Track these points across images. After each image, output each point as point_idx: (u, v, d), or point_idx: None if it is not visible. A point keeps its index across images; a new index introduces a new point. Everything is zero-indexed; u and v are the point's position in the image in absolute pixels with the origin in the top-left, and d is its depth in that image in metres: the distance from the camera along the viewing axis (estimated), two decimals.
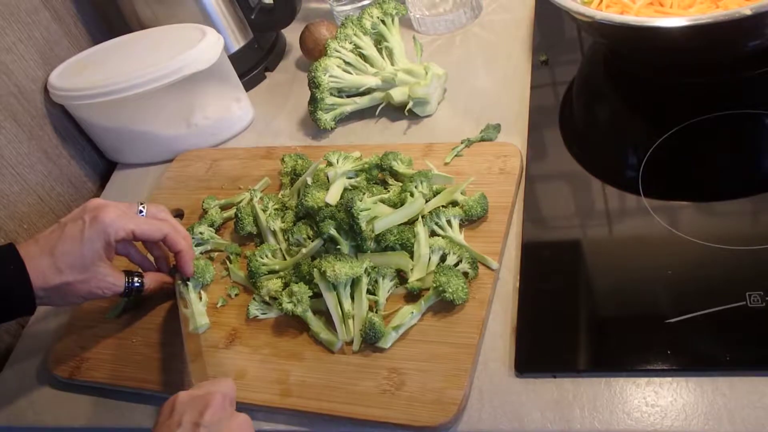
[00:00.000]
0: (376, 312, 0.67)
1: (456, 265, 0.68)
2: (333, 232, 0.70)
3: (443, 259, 0.69)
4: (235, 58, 1.01)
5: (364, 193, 0.72)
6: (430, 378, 0.62)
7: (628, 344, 0.61)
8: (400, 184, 0.77)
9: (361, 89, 0.89)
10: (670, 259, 0.65)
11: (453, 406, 0.60)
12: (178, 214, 0.88)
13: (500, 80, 0.90)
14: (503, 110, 0.86)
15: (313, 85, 0.88)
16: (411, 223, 0.72)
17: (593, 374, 0.60)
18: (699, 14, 0.73)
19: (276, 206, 0.79)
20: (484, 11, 1.01)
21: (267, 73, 1.06)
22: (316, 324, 0.68)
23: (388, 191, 0.76)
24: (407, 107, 0.87)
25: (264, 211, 0.79)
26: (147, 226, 0.70)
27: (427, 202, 0.74)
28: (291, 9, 0.99)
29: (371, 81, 0.89)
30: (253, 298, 0.71)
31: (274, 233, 0.77)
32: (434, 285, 0.66)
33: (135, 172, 1.00)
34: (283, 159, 0.84)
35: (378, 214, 0.71)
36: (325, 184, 0.76)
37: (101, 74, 0.92)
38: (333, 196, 0.73)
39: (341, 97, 0.90)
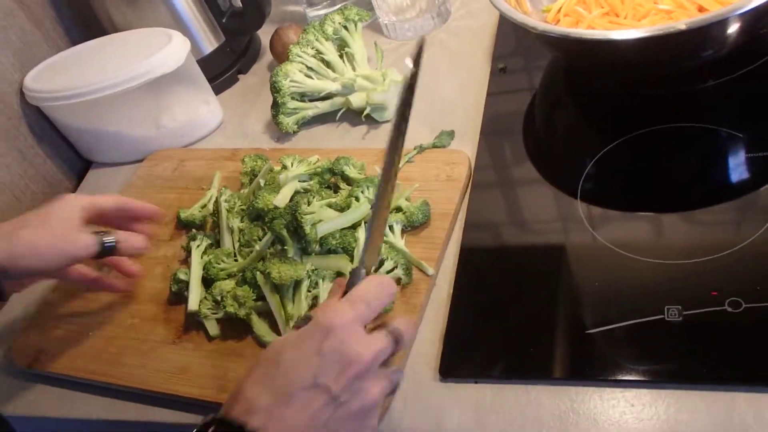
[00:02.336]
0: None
1: (392, 270, 0.69)
2: (283, 232, 0.72)
3: (381, 263, 0.70)
4: (207, 61, 1.03)
5: (313, 197, 0.73)
6: None
7: (549, 353, 0.62)
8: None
9: (322, 94, 0.91)
10: (598, 270, 0.66)
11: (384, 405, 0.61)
12: None
13: (459, 87, 0.91)
14: (459, 117, 0.87)
15: (274, 89, 0.89)
16: (356, 227, 0.73)
17: (512, 381, 0.62)
18: (649, 26, 0.74)
19: (243, 206, 0.80)
20: (452, 17, 1.02)
21: (240, 76, 1.08)
22: (258, 326, 0.70)
23: (339, 195, 0.77)
24: (364, 113, 0.88)
25: (229, 210, 0.80)
26: (100, 199, 0.72)
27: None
28: (260, 14, 1.01)
29: (332, 86, 0.90)
30: (205, 297, 0.73)
31: (231, 231, 0.78)
32: None
33: (108, 171, 1.02)
34: (243, 160, 0.86)
35: (323, 217, 0.72)
36: (278, 187, 0.78)
37: (73, 76, 0.95)
38: (282, 198, 0.75)
39: (304, 101, 0.92)
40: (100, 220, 0.73)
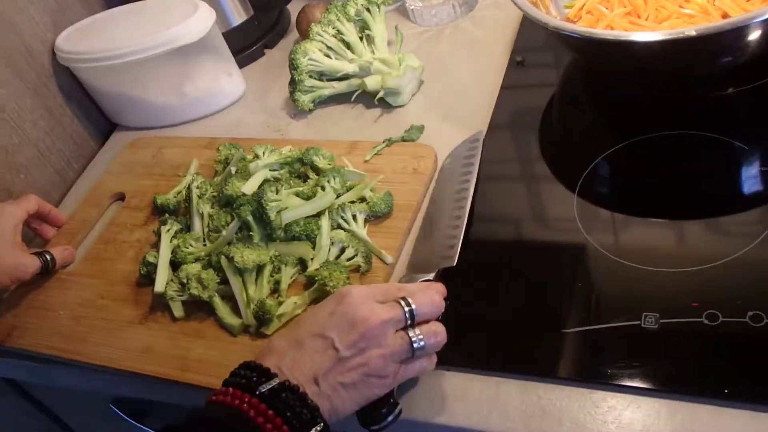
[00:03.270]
0: (278, 297, 0.71)
1: (352, 257, 0.71)
2: (249, 218, 0.74)
3: (342, 251, 0.72)
4: (234, 33, 1.05)
5: (282, 185, 0.75)
6: None
7: (522, 349, 0.63)
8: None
9: (339, 74, 0.92)
10: (583, 270, 0.66)
11: None
12: (120, 198, 0.93)
13: (476, 77, 0.91)
14: (472, 107, 0.87)
15: (292, 66, 0.91)
16: (320, 215, 0.75)
17: (483, 373, 0.62)
18: (662, 30, 0.73)
19: (214, 192, 0.82)
20: (478, 6, 1.01)
21: (266, 50, 1.09)
22: (221, 308, 0.72)
23: (306, 185, 0.79)
24: (377, 96, 0.89)
25: (200, 197, 0.82)
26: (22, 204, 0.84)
27: (338, 197, 0.77)
28: None
29: (349, 67, 0.91)
30: (171, 280, 0.75)
31: (201, 216, 0.80)
32: (317, 278, 0.69)
33: (132, 134, 1.05)
34: (218, 149, 0.88)
35: (288, 205, 0.74)
36: (249, 175, 0.79)
37: (102, 40, 0.98)
38: (250, 186, 0.77)
39: (321, 80, 0.93)
40: None
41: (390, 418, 0.60)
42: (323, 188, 0.76)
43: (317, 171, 0.81)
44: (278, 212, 0.73)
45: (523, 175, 0.78)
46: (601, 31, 0.72)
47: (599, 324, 0.61)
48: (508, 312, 0.66)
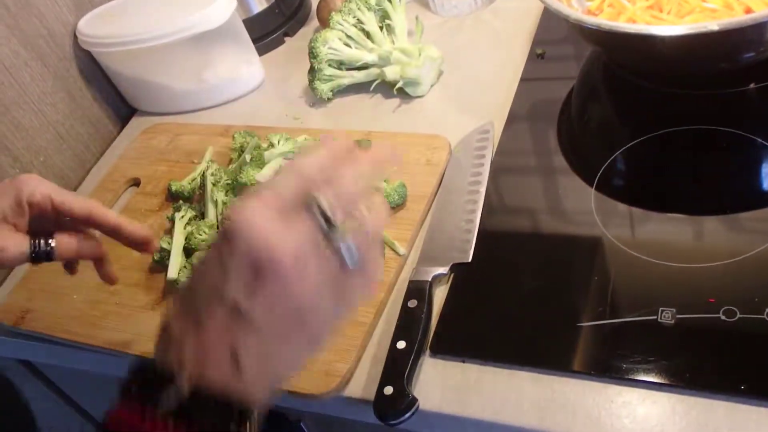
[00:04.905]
0: None
1: None
2: None
3: None
4: (255, 21, 1.05)
5: None
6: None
7: (537, 341, 0.63)
8: None
9: (359, 64, 0.92)
10: (600, 264, 0.66)
11: (336, 378, 0.63)
12: (135, 183, 0.94)
13: (495, 68, 0.90)
14: (491, 99, 0.86)
15: (312, 55, 0.91)
16: None
17: (498, 365, 0.62)
18: (683, 25, 0.72)
19: (228, 180, 0.82)
20: None
21: (287, 38, 1.09)
22: None
23: None
24: (396, 86, 0.89)
25: (215, 184, 0.82)
26: (70, 196, 0.62)
27: None
28: None
29: (368, 57, 0.91)
30: (185, 266, 0.75)
31: (215, 203, 0.81)
32: None
33: (151, 119, 1.06)
34: (233, 136, 0.88)
35: None
36: (263, 163, 0.80)
37: (123, 25, 0.98)
38: (264, 174, 0.77)
39: (341, 69, 0.93)
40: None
41: (408, 414, 0.60)
42: None
43: None
44: None
45: (540, 167, 0.78)
46: (623, 24, 0.71)
47: (615, 318, 0.61)
48: (522, 305, 0.66)
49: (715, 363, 0.56)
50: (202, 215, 0.82)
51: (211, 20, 0.93)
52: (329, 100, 0.95)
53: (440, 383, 0.63)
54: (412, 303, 0.67)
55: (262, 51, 1.07)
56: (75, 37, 1.01)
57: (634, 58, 0.78)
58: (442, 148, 0.80)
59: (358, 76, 0.93)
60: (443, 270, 0.69)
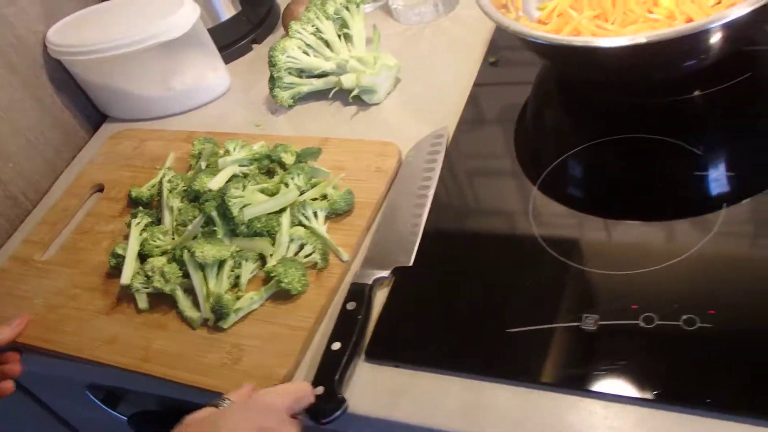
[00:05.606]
0: (237, 292, 0.73)
1: (310, 254, 0.73)
2: (213, 213, 0.76)
3: (302, 247, 0.74)
4: (223, 28, 1.07)
5: (248, 181, 0.77)
6: (264, 355, 0.68)
7: (467, 346, 0.64)
8: None
9: (318, 72, 0.94)
10: (531, 269, 0.67)
11: (275, 381, 0.65)
12: (100, 189, 0.96)
13: (453, 76, 0.92)
14: (446, 105, 0.88)
15: (271, 63, 0.93)
16: (282, 212, 0.77)
17: (430, 370, 0.64)
18: (618, 37, 0.73)
19: (185, 187, 0.84)
20: (459, 5, 1.02)
21: (255, 46, 1.11)
22: (182, 301, 0.74)
23: (272, 181, 0.80)
24: (352, 93, 0.91)
25: (171, 191, 0.84)
26: None
27: (302, 193, 0.78)
28: None
29: (326, 65, 0.93)
30: (138, 272, 0.77)
31: (171, 210, 0.82)
32: (273, 274, 0.71)
33: (121, 125, 1.08)
34: (193, 143, 0.90)
35: (252, 201, 0.76)
36: (218, 170, 0.81)
37: (91, 34, 1.00)
38: (217, 181, 0.79)
39: (301, 77, 0.95)
40: None
41: (337, 413, 0.62)
42: (287, 185, 0.78)
43: (284, 167, 0.83)
44: (241, 208, 0.75)
45: (486, 171, 0.79)
46: (557, 36, 0.72)
47: (540, 324, 0.62)
48: (457, 310, 0.67)
49: (632, 368, 0.57)
50: (158, 221, 0.83)
51: (174, 29, 0.95)
52: (290, 107, 0.96)
53: (372, 386, 0.64)
54: (351, 305, 0.69)
55: (230, 58, 1.09)
56: (45, 45, 1.03)
57: (574, 68, 0.79)
58: (392, 155, 0.82)
59: (318, 84, 0.94)
60: (384, 273, 0.71)
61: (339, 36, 0.94)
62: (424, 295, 0.69)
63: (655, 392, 0.55)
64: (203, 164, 0.85)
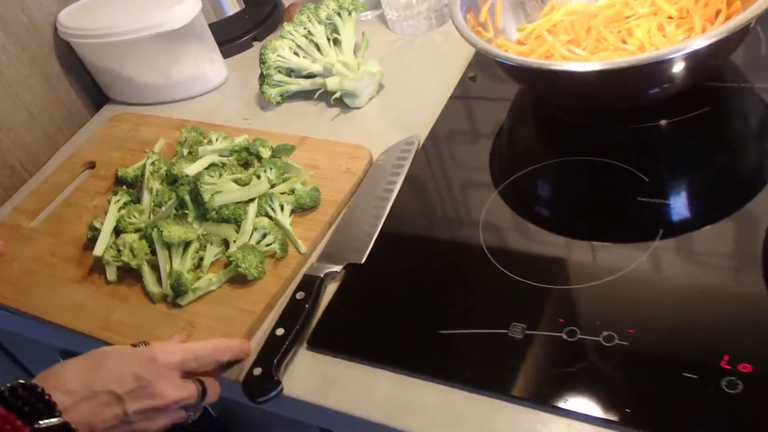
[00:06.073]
0: (198, 272, 0.78)
1: (271, 243, 0.77)
2: (186, 197, 0.80)
3: (264, 237, 0.78)
4: (226, 23, 1.12)
5: (224, 170, 0.82)
6: (213, 333, 0.72)
7: (401, 344, 0.67)
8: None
9: (305, 73, 0.97)
10: (472, 276, 0.71)
11: None
12: (91, 166, 1.00)
13: (433, 87, 0.95)
14: (422, 114, 0.91)
15: (261, 61, 0.97)
16: (250, 202, 0.80)
17: (364, 362, 0.67)
18: (598, 61, 0.77)
19: (166, 171, 0.88)
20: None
21: (255, 43, 1.15)
22: (147, 277, 0.78)
23: (246, 172, 0.84)
24: (334, 96, 0.94)
25: (152, 173, 0.88)
26: None
27: (273, 186, 0.82)
28: None
29: (313, 67, 0.97)
30: (111, 246, 0.81)
31: (150, 191, 0.86)
32: (232, 258, 0.75)
33: (121, 108, 1.13)
34: (181, 130, 0.94)
35: (224, 189, 0.80)
36: (198, 158, 0.86)
37: (99, 19, 1.05)
38: (194, 168, 0.83)
39: (290, 76, 0.99)
40: None
41: (272, 394, 0.65)
42: (258, 177, 0.82)
43: (261, 160, 0.87)
44: (212, 195, 0.79)
45: (447, 180, 0.82)
46: (518, 57, 0.75)
47: (471, 329, 0.65)
48: (397, 309, 0.70)
49: (550, 377, 0.60)
50: (139, 201, 0.88)
51: (175, 20, 1.00)
52: (278, 103, 1.00)
53: (310, 373, 0.68)
54: (300, 295, 0.72)
55: (230, 53, 1.13)
56: (56, 27, 1.08)
57: (539, 89, 0.82)
58: (362, 158, 0.85)
59: (305, 84, 0.98)
60: (336, 268, 0.74)
61: (329, 40, 0.98)
62: (370, 293, 0.73)
63: (567, 400, 0.58)
64: (185, 151, 0.89)
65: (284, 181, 0.84)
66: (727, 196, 0.70)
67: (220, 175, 0.81)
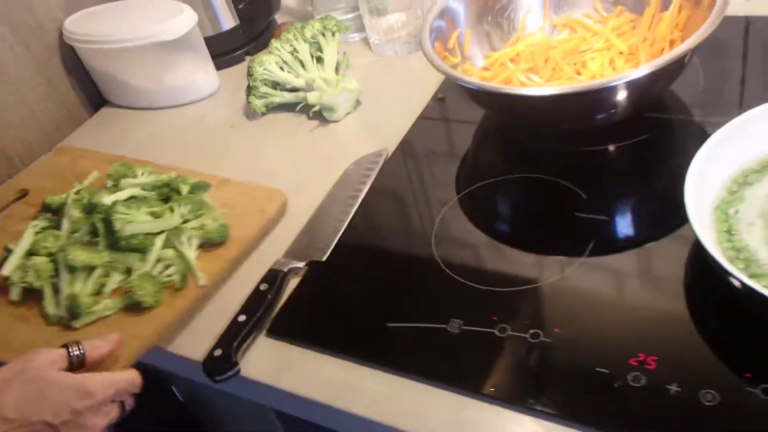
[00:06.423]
0: (100, 297, 0.80)
1: (171, 275, 0.80)
2: (99, 224, 0.83)
3: (167, 267, 0.81)
4: (221, 37, 1.19)
5: (143, 203, 0.86)
6: None
7: (350, 333, 0.73)
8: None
9: (289, 86, 1.05)
10: (422, 277, 0.77)
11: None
12: (23, 195, 1.02)
13: (406, 106, 1.02)
14: (394, 131, 0.98)
15: (248, 73, 1.04)
16: (159, 234, 0.83)
17: (318, 350, 0.73)
18: (549, 86, 0.84)
19: (89, 199, 0.89)
20: None
21: (247, 57, 1.23)
22: (48, 298, 0.80)
23: (162, 205, 0.88)
24: (313, 109, 1.02)
25: (75, 201, 0.90)
26: None
27: (186, 222, 0.86)
28: (268, 8, 1.16)
29: (296, 81, 1.04)
30: (19, 267, 0.83)
31: (69, 218, 0.88)
32: (128, 285, 0.78)
33: (118, 111, 1.20)
34: (113, 165, 0.97)
35: (136, 220, 0.84)
36: (118, 190, 0.90)
37: (102, 26, 1.13)
38: (111, 198, 0.87)
39: (275, 89, 1.06)
40: None
41: (229, 373, 0.72)
42: (172, 210, 0.86)
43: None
44: (124, 224, 0.82)
45: (408, 189, 0.89)
46: (471, 79, 0.83)
47: (415, 323, 0.72)
48: (351, 302, 0.77)
49: (477, 367, 0.66)
50: (59, 227, 0.88)
51: (171, 31, 1.07)
52: (263, 113, 1.08)
53: (267, 358, 0.74)
54: (264, 286, 0.79)
55: (224, 65, 1.21)
56: (61, 32, 1.16)
57: (496, 111, 0.90)
58: (277, 201, 0.89)
59: (288, 97, 1.06)
60: (299, 264, 0.81)
61: (313, 57, 1.05)
62: (328, 288, 0.79)
63: (492, 389, 0.64)
64: (109, 182, 0.93)
65: (197, 217, 0.86)
66: (657, 218, 0.77)
67: (139, 207, 0.85)
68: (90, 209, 0.87)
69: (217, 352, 0.73)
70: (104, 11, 1.18)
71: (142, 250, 0.82)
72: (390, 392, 0.68)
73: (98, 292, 0.80)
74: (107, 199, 0.86)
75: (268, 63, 1.04)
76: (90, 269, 0.80)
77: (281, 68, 1.05)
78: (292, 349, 0.74)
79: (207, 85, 1.16)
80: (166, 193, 0.91)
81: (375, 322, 0.73)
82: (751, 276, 0.63)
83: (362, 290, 0.78)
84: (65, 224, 0.88)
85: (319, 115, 1.04)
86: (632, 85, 0.77)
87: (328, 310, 0.77)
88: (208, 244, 0.84)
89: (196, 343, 0.77)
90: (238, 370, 0.72)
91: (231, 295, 0.80)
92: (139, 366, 0.73)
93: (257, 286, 0.79)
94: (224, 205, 0.89)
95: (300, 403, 0.71)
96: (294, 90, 1.05)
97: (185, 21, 1.08)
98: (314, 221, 0.87)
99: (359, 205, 0.88)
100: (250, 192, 0.91)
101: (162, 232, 0.84)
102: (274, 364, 0.74)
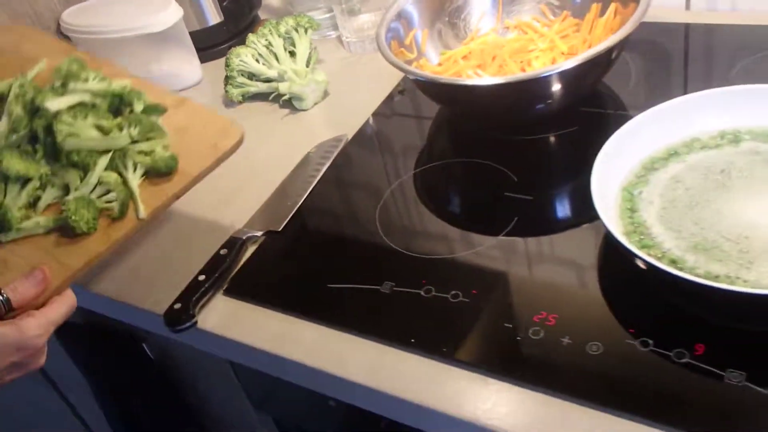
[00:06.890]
0: (35, 211, 0.75)
1: (111, 201, 0.75)
2: (40, 131, 0.76)
3: (107, 193, 0.76)
4: (207, 32, 1.28)
5: (91, 113, 0.77)
6: None
7: (296, 293, 0.82)
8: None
9: (263, 77, 1.14)
10: (363, 245, 0.86)
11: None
12: None
13: (369, 98, 1.11)
14: (356, 119, 1.07)
15: (226, 64, 1.13)
16: (103, 153, 0.76)
17: (266, 307, 0.82)
18: (489, 77, 0.93)
19: (31, 97, 0.80)
20: None
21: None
22: None
23: (112, 121, 0.79)
24: (284, 98, 1.11)
25: (17, 96, 0.80)
26: None
27: (134, 143, 0.78)
28: (250, 6, 1.25)
29: (270, 72, 1.13)
30: None
31: (9, 115, 0.79)
32: (64, 207, 0.73)
33: None
34: (66, 59, 0.84)
35: (81, 134, 0.76)
36: (65, 93, 0.79)
37: (96, 19, 1.22)
38: (57, 103, 0.77)
39: (251, 79, 1.15)
40: None
41: (187, 324, 0.80)
42: (120, 129, 0.78)
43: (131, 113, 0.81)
44: (67, 136, 0.74)
45: (361, 170, 0.98)
46: (424, 72, 0.92)
47: (353, 284, 0.80)
48: (299, 267, 0.85)
49: (404, 323, 0.74)
50: None
51: (158, 24, 1.16)
52: (240, 102, 1.16)
53: (221, 313, 0.83)
54: (224, 251, 0.87)
55: (208, 58, 1.30)
56: (59, 23, 1.26)
57: (444, 101, 0.98)
58: (232, 137, 0.79)
59: (262, 87, 1.15)
60: (257, 233, 0.89)
61: (286, 51, 1.14)
62: (281, 254, 0.88)
63: (413, 340, 0.73)
64: (57, 83, 0.81)
65: (147, 140, 0.78)
66: (577, 199, 0.85)
67: (86, 117, 0.76)
68: (34, 110, 0.78)
69: (177, 306, 0.81)
70: (100, 4, 1.27)
71: (83, 168, 0.75)
72: (325, 342, 0.76)
73: (32, 205, 0.75)
74: (52, 104, 0.76)
75: (245, 55, 1.13)
76: (24, 181, 0.74)
77: (257, 60, 1.14)
78: (245, 306, 0.83)
79: (191, 75, 1.26)
80: (117, 106, 0.81)
81: (319, 283, 0.82)
82: (643, 246, 0.71)
83: (310, 256, 0.87)
84: (3, 121, 0.78)
85: (290, 104, 1.13)
86: (564, 76, 0.86)
87: (279, 274, 0.86)
88: (153, 174, 0.77)
89: (159, 298, 0.85)
90: (195, 322, 0.81)
91: (194, 258, 0.89)
92: (109, 324, 0.81)
93: (218, 251, 0.88)
94: (177, 130, 0.80)
95: (248, 351, 0.80)
96: (268, 81, 1.14)
97: (171, 14, 1.18)
98: (275, 195, 0.96)
99: (317, 183, 0.96)
100: (207, 119, 0.82)
101: (107, 152, 0.76)
102: (228, 318, 0.82)
